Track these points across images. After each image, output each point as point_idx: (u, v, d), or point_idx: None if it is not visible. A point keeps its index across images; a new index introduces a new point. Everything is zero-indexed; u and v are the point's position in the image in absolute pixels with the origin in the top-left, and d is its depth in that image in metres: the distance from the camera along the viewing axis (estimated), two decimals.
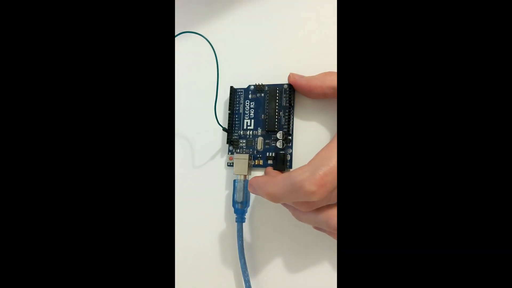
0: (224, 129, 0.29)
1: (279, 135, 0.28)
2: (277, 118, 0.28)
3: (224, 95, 0.31)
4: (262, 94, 0.29)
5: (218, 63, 0.28)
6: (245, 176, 0.28)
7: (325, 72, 0.27)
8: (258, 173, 0.29)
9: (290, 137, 0.28)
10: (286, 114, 0.28)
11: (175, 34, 0.31)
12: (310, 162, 0.22)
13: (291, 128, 0.28)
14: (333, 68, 0.27)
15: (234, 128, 0.30)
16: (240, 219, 0.28)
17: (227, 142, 0.29)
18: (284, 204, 0.25)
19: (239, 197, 0.28)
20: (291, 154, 0.28)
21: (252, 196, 0.29)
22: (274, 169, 0.27)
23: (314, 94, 0.27)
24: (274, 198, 0.23)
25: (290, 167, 0.28)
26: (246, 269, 0.27)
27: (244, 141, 0.29)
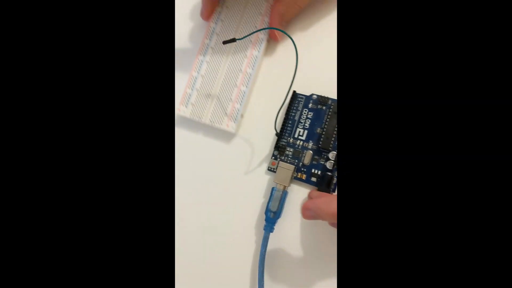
0: (276, 133, 0.28)
1: (331, 155, 0.27)
2: (334, 138, 0.27)
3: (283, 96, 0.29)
4: (324, 107, 0.28)
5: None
6: (284, 186, 0.27)
7: None
8: (298, 187, 0.28)
9: None
10: None
11: (259, 28, 0.30)
12: None
13: None
14: None
15: (285, 134, 0.28)
16: (269, 228, 0.27)
17: (275, 147, 0.28)
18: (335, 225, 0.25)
19: (274, 206, 0.27)
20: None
21: (285, 210, 0.28)
22: (317, 190, 0.26)
23: None
24: None
25: (334, 191, 0.27)
26: (263, 279, 0.27)
27: (291, 149, 0.28)
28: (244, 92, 0.29)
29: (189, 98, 0.30)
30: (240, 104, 0.29)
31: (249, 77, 0.30)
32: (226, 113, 0.29)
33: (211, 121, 0.30)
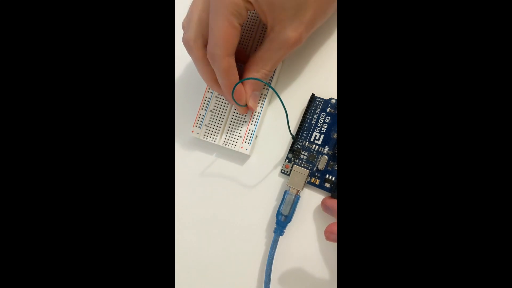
0: (293, 137, 0.28)
1: None
2: None
3: (301, 99, 0.29)
4: None
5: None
6: (297, 191, 0.27)
7: None
8: (311, 192, 0.28)
9: None
10: None
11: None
12: None
13: None
14: None
15: (300, 138, 0.28)
16: (280, 231, 0.27)
17: (289, 150, 0.28)
18: None
19: (286, 210, 0.27)
20: None
21: (296, 214, 0.28)
22: (331, 196, 0.26)
23: None
24: None
25: None
26: (269, 282, 0.27)
27: (306, 153, 0.28)
28: (259, 113, 0.29)
29: (202, 119, 0.30)
30: (255, 125, 0.29)
31: (264, 98, 0.29)
32: (240, 135, 0.29)
33: (224, 143, 0.29)
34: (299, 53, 0.30)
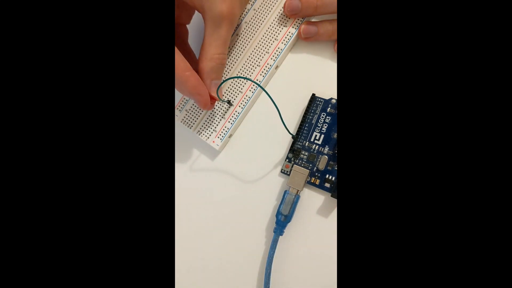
0: (293, 136, 0.28)
1: None
2: None
3: (302, 99, 0.29)
4: None
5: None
6: (297, 191, 0.27)
7: None
8: (311, 191, 0.28)
9: None
10: None
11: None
12: None
13: None
14: None
15: (300, 138, 0.28)
16: (279, 231, 0.27)
17: (289, 150, 0.28)
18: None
19: (286, 210, 0.27)
20: None
21: (296, 214, 0.28)
22: (331, 196, 0.26)
23: None
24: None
25: None
26: (269, 282, 0.27)
27: (306, 153, 0.28)
28: (239, 113, 0.29)
29: (185, 104, 0.30)
30: (231, 124, 0.29)
31: (248, 100, 0.29)
32: (215, 129, 0.29)
33: (198, 132, 0.30)
34: (299, 53, 0.30)
